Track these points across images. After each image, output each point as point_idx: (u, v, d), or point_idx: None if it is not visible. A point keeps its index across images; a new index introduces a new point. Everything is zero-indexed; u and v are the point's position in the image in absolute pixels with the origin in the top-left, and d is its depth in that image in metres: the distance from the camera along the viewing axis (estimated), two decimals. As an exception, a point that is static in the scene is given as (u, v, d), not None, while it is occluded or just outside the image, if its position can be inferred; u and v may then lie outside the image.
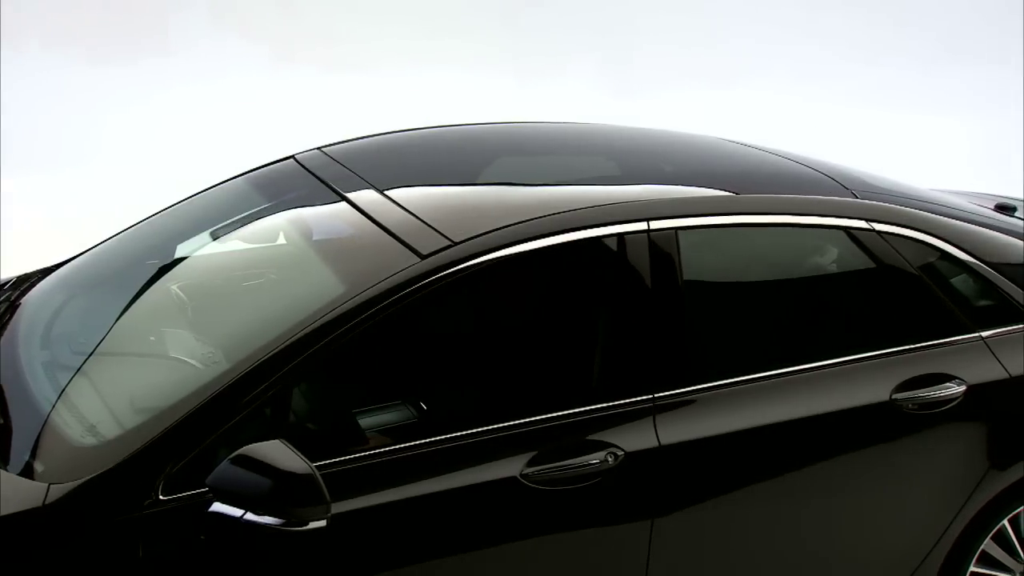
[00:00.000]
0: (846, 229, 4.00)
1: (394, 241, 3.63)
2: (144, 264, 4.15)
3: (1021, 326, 4.16)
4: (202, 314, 3.83)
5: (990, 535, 4.14)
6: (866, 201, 4.09)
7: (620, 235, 3.72)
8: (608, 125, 5.09)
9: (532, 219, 3.67)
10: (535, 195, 3.95)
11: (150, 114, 9.59)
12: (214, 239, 4.13)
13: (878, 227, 4.03)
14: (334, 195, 3.99)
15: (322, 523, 3.13)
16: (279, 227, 4.09)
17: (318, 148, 4.50)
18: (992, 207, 5.03)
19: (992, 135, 10.11)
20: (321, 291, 3.54)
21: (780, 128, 5.00)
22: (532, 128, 4.90)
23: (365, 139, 4.52)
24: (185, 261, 4.12)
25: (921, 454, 3.97)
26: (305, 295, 3.60)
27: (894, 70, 10.98)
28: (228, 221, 4.19)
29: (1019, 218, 4.89)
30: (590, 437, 3.58)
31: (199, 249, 4.14)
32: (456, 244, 3.56)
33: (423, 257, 3.52)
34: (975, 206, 4.88)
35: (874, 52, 11.11)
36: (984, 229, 4.29)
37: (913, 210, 4.14)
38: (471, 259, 3.53)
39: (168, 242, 4.22)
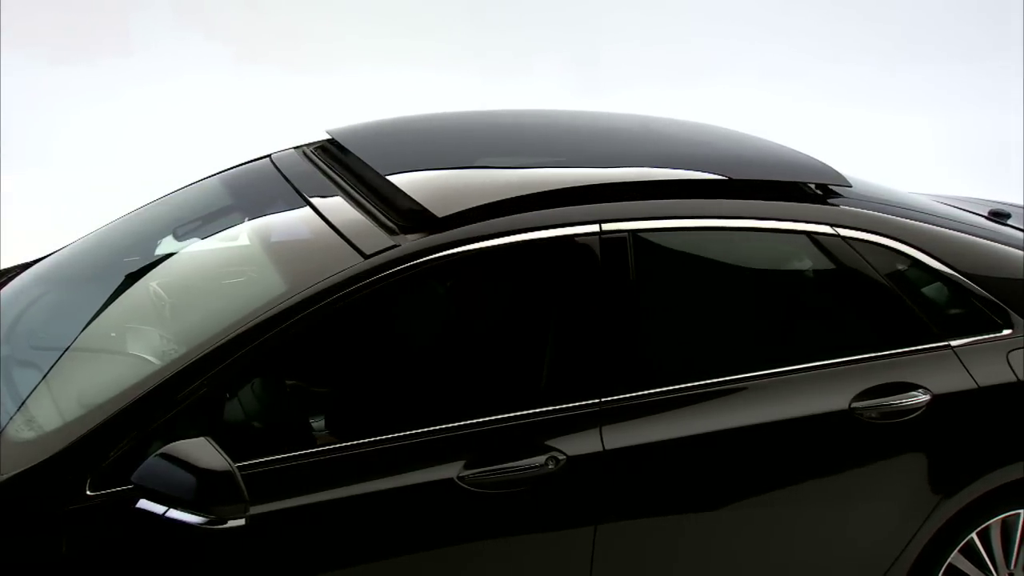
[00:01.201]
0: (809, 234, 3.93)
1: (342, 241, 3.63)
2: (110, 263, 4.19)
3: (992, 336, 4.06)
4: (161, 311, 3.85)
5: (957, 548, 4.04)
6: (831, 206, 4.01)
7: (571, 237, 3.68)
8: (595, 112, 5.03)
9: (483, 220, 3.65)
10: (496, 192, 3.87)
11: (112, 115, 9.52)
12: (179, 239, 4.15)
13: (843, 232, 3.95)
14: (297, 195, 3.99)
15: (241, 522, 3.13)
16: (240, 227, 4.10)
17: (295, 147, 4.51)
18: (986, 213, 4.92)
19: (960, 133, 10.02)
20: (266, 291, 3.55)
21: (746, 126, 4.93)
22: (510, 119, 4.84)
23: (349, 128, 4.50)
24: (149, 260, 4.14)
25: (882, 464, 3.89)
26: (252, 295, 3.61)
27: (860, 67, 10.89)
28: (194, 221, 4.21)
29: (1011, 225, 4.78)
30: (532, 440, 3.55)
31: (164, 248, 4.16)
32: (399, 244, 3.54)
33: (366, 257, 3.52)
34: (962, 211, 4.79)
35: (840, 49, 11.02)
36: (961, 235, 4.19)
37: (881, 215, 4.05)
38: (414, 259, 3.52)
39: (136, 241, 4.26)
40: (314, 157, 4.29)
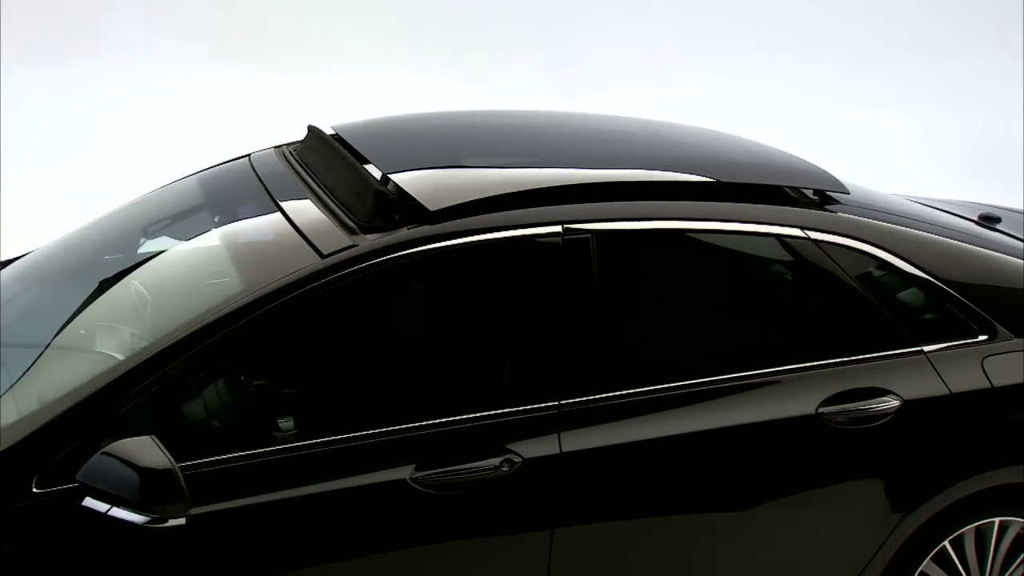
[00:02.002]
0: (779, 237, 3.88)
1: (302, 241, 3.63)
2: (83, 261, 4.21)
3: (967, 341, 4.00)
4: (127, 310, 3.86)
5: (929, 557, 3.98)
6: (801, 209, 3.96)
7: (533, 237, 3.66)
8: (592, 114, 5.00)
9: (445, 220, 3.63)
10: (464, 193, 3.84)
11: (83, 116, 9.44)
12: (149, 238, 4.16)
13: (813, 235, 3.90)
14: (267, 195, 3.99)
15: (181, 521, 3.13)
16: (209, 226, 4.10)
17: (275, 146, 4.51)
18: (976, 217, 4.85)
19: (935, 133, 9.96)
20: (225, 290, 3.55)
21: (722, 126, 4.90)
22: (518, 120, 4.82)
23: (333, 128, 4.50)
24: (120, 259, 4.15)
25: (850, 470, 3.84)
26: (211, 294, 3.60)
27: (835, 67, 10.85)
28: (166, 220, 4.22)
29: (999, 230, 4.71)
30: (489, 442, 3.52)
31: (135, 247, 4.17)
32: (357, 244, 3.53)
33: (323, 256, 3.51)
34: (951, 216, 4.72)
35: (812, 49, 10.98)
36: (940, 240, 4.13)
37: (853, 217, 4.00)
38: (371, 258, 3.51)
39: (108, 240, 4.27)
40: (291, 157, 4.29)
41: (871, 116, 10.16)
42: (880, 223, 4.03)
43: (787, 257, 3.90)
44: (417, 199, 3.68)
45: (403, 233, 3.58)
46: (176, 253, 4.08)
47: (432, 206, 3.65)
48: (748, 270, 3.93)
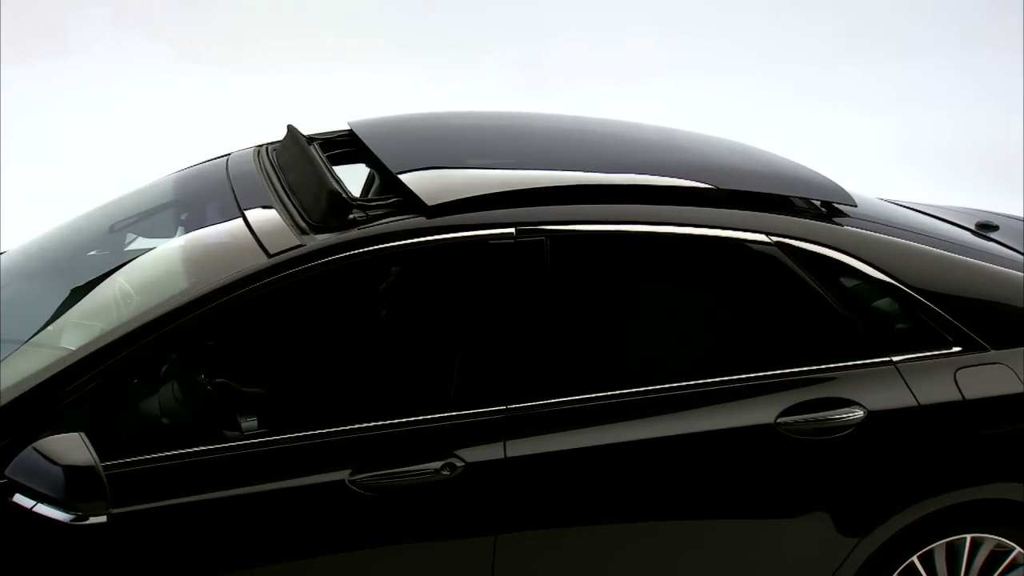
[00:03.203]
0: (743, 242, 3.80)
1: (253, 240, 3.62)
2: (53, 259, 4.24)
3: (940, 352, 3.89)
4: (85, 309, 3.88)
5: (897, 573, 3.88)
6: (765, 213, 3.87)
7: (484, 239, 3.62)
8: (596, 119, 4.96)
9: (396, 219, 3.61)
10: (462, 190, 3.80)
11: (49, 118, 9.33)
12: (115, 235, 4.19)
13: (779, 240, 3.81)
14: (231, 195, 4.00)
15: (102, 519, 3.13)
16: (173, 225, 4.11)
17: (258, 145, 4.52)
18: (974, 225, 4.73)
19: (904, 133, 9.85)
20: (174, 289, 3.55)
21: (692, 125, 4.84)
22: (512, 121, 4.80)
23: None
24: (86, 257, 4.18)
25: (810, 482, 3.74)
26: (161, 293, 3.60)
27: (804, 66, 10.71)
28: (133, 218, 4.24)
29: (993, 239, 4.58)
30: (431, 445, 3.49)
31: (101, 246, 4.19)
32: (304, 244, 3.52)
33: (269, 256, 3.50)
34: (945, 224, 4.61)
35: (780, 48, 10.84)
36: (915, 247, 4.01)
37: (822, 223, 3.91)
38: (316, 258, 3.49)
39: (79, 238, 4.29)
40: (265, 156, 4.29)
41: (842, 116, 10.08)
42: (850, 229, 3.93)
43: (750, 262, 3.81)
44: (416, 194, 3.66)
45: (350, 233, 3.55)
46: (137, 251, 4.08)
47: (430, 201, 3.63)
48: (708, 275, 3.85)
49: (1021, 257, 4.36)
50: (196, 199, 4.16)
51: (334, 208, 3.63)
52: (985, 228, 4.71)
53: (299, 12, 10.61)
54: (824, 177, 4.28)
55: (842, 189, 4.17)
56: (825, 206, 4.05)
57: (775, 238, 3.80)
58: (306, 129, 4.46)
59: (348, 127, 4.41)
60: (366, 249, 3.53)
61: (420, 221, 3.61)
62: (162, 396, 3.61)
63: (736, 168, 4.29)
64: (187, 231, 3.97)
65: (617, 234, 3.73)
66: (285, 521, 3.40)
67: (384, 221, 3.60)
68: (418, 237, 3.59)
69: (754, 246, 3.79)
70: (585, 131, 4.65)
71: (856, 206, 4.10)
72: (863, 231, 3.94)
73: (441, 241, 3.60)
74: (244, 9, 10.57)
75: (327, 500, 3.41)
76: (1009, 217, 5.05)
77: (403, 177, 3.79)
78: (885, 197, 4.65)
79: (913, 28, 10.91)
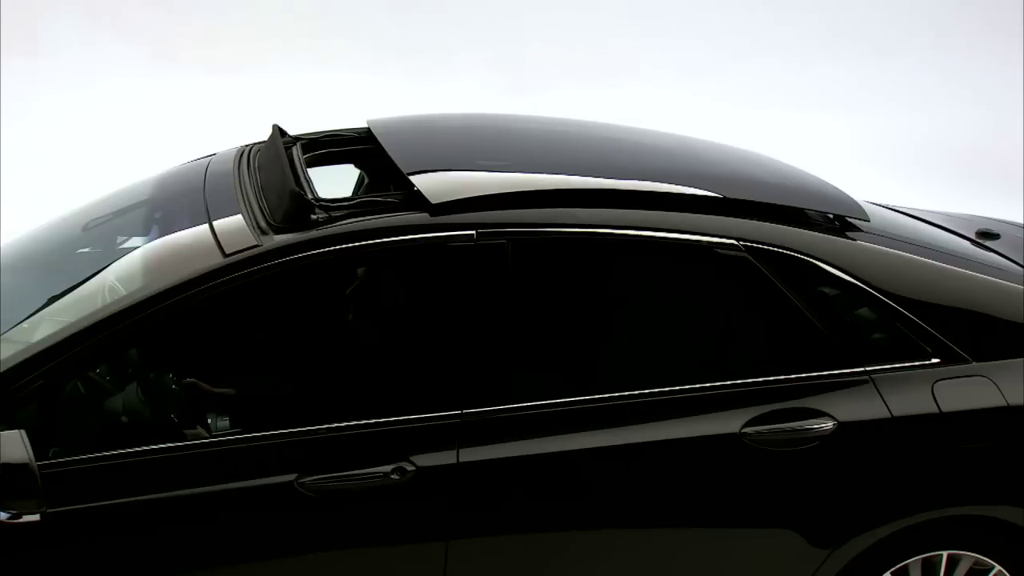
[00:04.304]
0: (712, 247, 3.72)
1: (212, 240, 3.61)
2: (27, 257, 4.25)
3: (917, 364, 3.78)
4: (51, 308, 3.88)
5: (870, 587, 3.78)
6: (739, 219, 3.79)
7: (444, 241, 3.57)
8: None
9: (351, 220, 3.58)
10: (467, 190, 3.76)
11: (21, 120, 9.22)
12: (86, 231, 4.19)
13: (749, 247, 3.72)
14: (201, 195, 3.99)
15: (35, 517, 3.12)
16: (144, 224, 4.10)
17: (245, 144, 4.51)
18: (974, 232, 4.60)
19: (877, 132, 9.77)
20: (131, 288, 3.55)
21: (669, 125, 4.77)
22: (535, 126, 4.76)
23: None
24: (58, 256, 4.19)
25: (776, 494, 3.66)
26: (119, 292, 3.61)
27: (775, 65, 10.62)
28: (107, 216, 4.24)
29: (992, 248, 4.45)
30: (383, 449, 3.45)
31: (74, 245, 4.20)
32: (260, 244, 3.50)
33: (225, 255, 3.48)
34: (943, 232, 4.49)
35: (755, 47, 10.75)
36: (896, 255, 3.90)
37: (794, 229, 3.81)
38: (272, 258, 3.47)
39: (53, 237, 4.30)
40: (247, 156, 4.27)
41: (817, 115, 9.98)
42: (825, 235, 3.83)
43: (719, 269, 3.73)
44: (422, 191, 3.64)
45: (308, 234, 3.53)
46: (106, 250, 4.09)
47: (435, 199, 3.60)
48: (675, 281, 3.77)
49: (1017, 268, 4.22)
50: (169, 199, 4.16)
51: (295, 208, 3.61)
52: (985, 236, 4.58)
53: (276, 13, 10.58)
54: (838, 190, 4.21)
55: (856, 203, 4.09)
56: (838, 220, 3.95)
57: (746, 244, 3.72)
58: (292, 130, 4.45)
59: (366, 124, 4.40)
60: (324, 250, 3.50)
61: (380, 221, 3.57)
62: (117, 395, 3.61)
63: (748, 178, 4.21)
64: (157, 230, 3.96)
65: (580, 238, 3.66)
66: (232, 523, 3.37)
67: (345, 222, 3.56)
68: (376, 238, 3.55)
69: (724, 252, 3.71)
70: (605, 137, 4.60)
71: (869, 220, 4.01)
72: (837, 238, 3.84)
73: (400, 243, 3.55)
74: (220, 10, 10.54)
75: (275, 502, 3.38)
76: (1013, 224, 4.91)
77: (411, 174, 3.77)
78: (873, 200, 4.53)
79: (887, 27, 10.84)
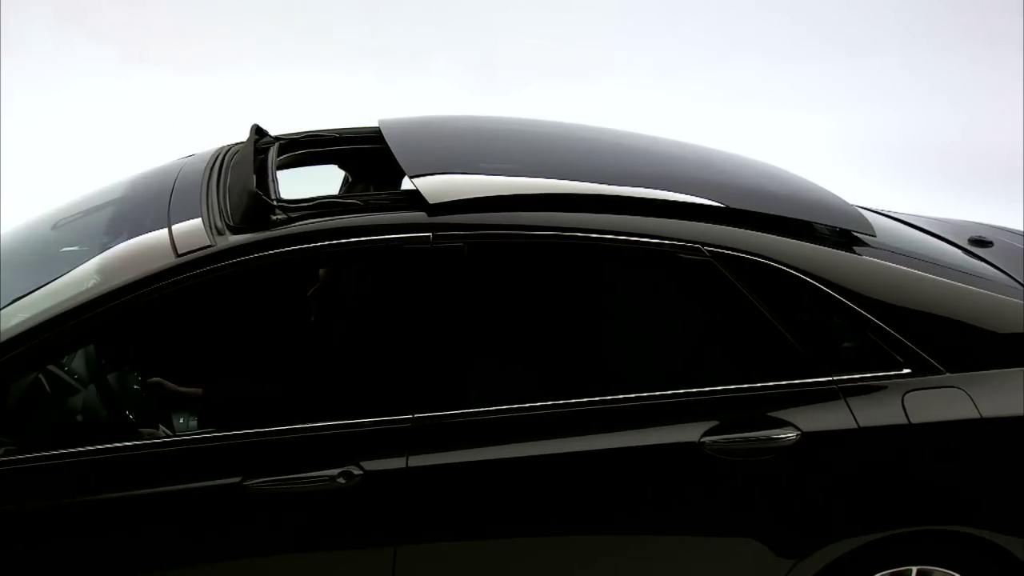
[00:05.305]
0: (673, 252, 3.64)
1: (168, 240, 3.60)
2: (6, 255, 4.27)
3: (886, 374, 3.69)
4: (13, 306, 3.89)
5: (835, 603, 3.69)
6: (703, 224, 3.71)
7: (399, 243, 3.53)
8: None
9: (307, 221, 3.55)
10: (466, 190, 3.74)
11: None
12: (55, 230, 4.20)
13: (713, 252, 3.65)
14: (168, 194, 3.99)
15: None
16: (109, 224, 4.09)
17: (230, 144, 4.50)
18: (967, 240, 4.49)
19: (852, 130, 9.71)
20: (86, 286, 3.55)
21: (645, 124, 4.70)
22: (545, 129, 4.73)
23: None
24: (24, 254, 4.19)
25: (736, 504, 3.58)
26: (76, 290, 3.60)
27: (752, 63, 10.58)
28: (79, 215, 4.24)
29: (982, 257, 4.34)
30: (330, 452, 3.42)
31: (46, 245, 4.21)
32: (213, 244, 3.48)
33: (177, 255, 3.47)
34: (935, 239, 4.39)
35: (731, 46, 10.71)
36: (868, 262, 3.80)
37: (760, 234, 3.73)
38: (223, 259, 3.45)
39: (22, 235, 4.32)
40: (222, 156, 4.26)
41: (792, 113, 9.95)
42: (794, 240, 3.75)
43: (681, 274, 3.66)
44: (420, 191, 3.62)
45: (261, 234, 3.50)
46: (71, 248, 4.09)
47: (432, 199, 3.58)
48: (636, 287, 3.70)
49: (1004, 277, 4.11)
50: (139, 199, 4.15)
51: (254, 209, 3.58)
52: (978, 244, 4.47)
53: (246, 13, 10.54)
54: (845, 203, 4.13)
55: (862, 216, 4.00)
56: (843, 234, 3.88)
57: (711, 249, 3.64)
58: (274, 130, 4.44)
59: (377, 124, 4.38)
60: (277, 250, 3.48)
61: (335, 222, 3.54)
62: (73, 394, 3.60)
63: (753, 189, 4.14)
64: (123, 230, 3.96)
65: (540, 242, 3.61)
66: (179, 525, 3.35)
67: (301, 223, 3.53)
68: (330, 239, 3.51)
69: (688, 257, 3.63)
70: (618, 144, 4.55)
71: (876, 235, 3.93)
72: (806, 244, 3.75)
73: (355, 244, 3.52)
74: (190, 10, 10.49)
75: (222, 504, 3.35)
76: (1013, 232, 4.79)
77: (412, 175, 3.75)
78: (860, 205, 4.44)
79: (861, 26, 10.81)
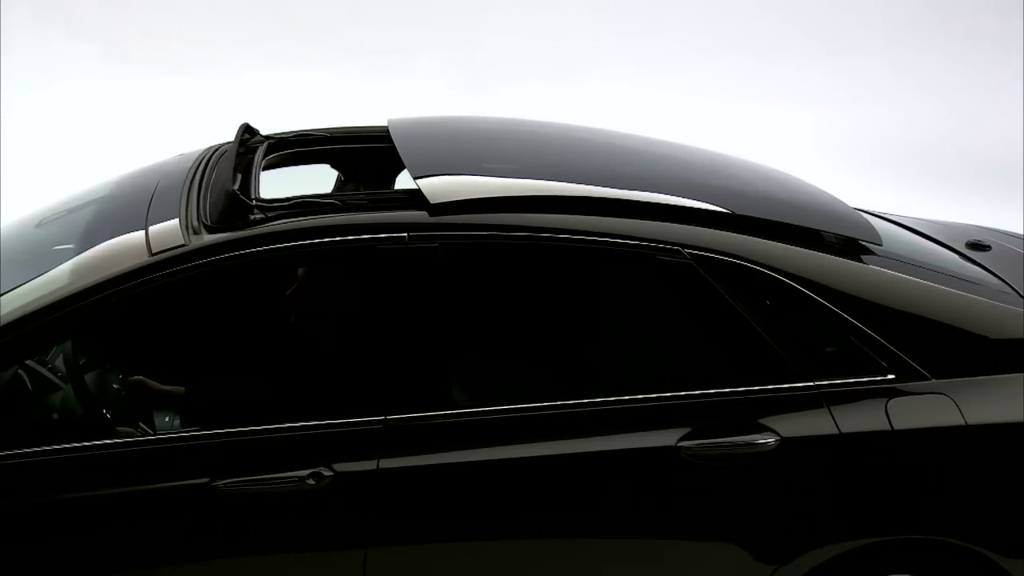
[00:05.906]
0: (651, 255, 3.59)
1: (144, 239, 3.59)
2: None
3: (870, 379, 3.63)
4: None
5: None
6: (682, 226, 3.66)
7: (374, 243, 3.51)
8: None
9: (282, 221, 3.53)
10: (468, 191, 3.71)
11: None
12: (39, 228, 4.20)
13: (692, 254, 3.60)
14: (150, 193, 3.98)
15: None
16: (92, 222, 4.08)
17: (222, 143, 4.49)
18: (964, 243, 4.42)
19: (839, 128, 9.67)
20: (59, 283, 3.54)
21: (632, 122, 4.65)
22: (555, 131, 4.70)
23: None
24: (18, 249, 4.20)
25: (713, 508, 3.53)
26: (50, 288, 3.60)
27: (740, 61, 10.54)
28: (62, 214, 4.24)
29: (977, 262, 4.26)
30: (301, 453, 3.40)
31: (27, 243, 4.21)
32: (187, 244, 3.47)
33: (151, 254, 3.46)
34: (927, 242, 4.32)
35: (716, 44, 10.67)
36: (853, 265, 3.74)
37: (741, 236, 3.68)
38: (196, 258, 3.44)
39: (6, 233, 4.32)
40: (208, 155, 4.26)
41: (776, 110, 9.91)
42: (775, 244, 3.69)
43: (659, 277, 3.61)
44: (422, 190, 3.60)
45: (235, 234, 3.49)
46: (52, 246, 4.09)
47: (434, 199, 3.56)
48: (615, 289, 3.66)
49: (997, 282, 4.04)
50: (122, 198, 4.15)
51: (230, 209, 3.57)
52: (975, 248, 4.40)
53: (230, 12, 10.51)
54: (853, 211, 4.08)
55: (869, 225, 3.95)
56: (849, 242, 3.83)
57: (691, 251, 3.59)
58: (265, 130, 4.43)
59: (386, 124, 4.36)
60: (251, 250, 3.46)
61: (309, 222, 3.52)
62: (32, 391, 3.60)
63: (761, 195, 4.08)
64: (103, 229, 3.95)
65: (516, 243, 3.57)
66: (148, 525, 3.34)
67: (276, 223, 3.51)
68: (305, 239, 3.49)
69: (667, 259, 3.59)
70: (627, 147, 4.52)
71: (882, 244, 3.87)
72: (786, 246, 3.70)
73: (329, 244, 3.50)
74: (173, 8, 10.46)
75: (191, 504, 3.34)
76: (1010, 235, 4.71)
77: (416, 175, 3.73)
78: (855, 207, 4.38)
79: (850, 24, 10.79)
